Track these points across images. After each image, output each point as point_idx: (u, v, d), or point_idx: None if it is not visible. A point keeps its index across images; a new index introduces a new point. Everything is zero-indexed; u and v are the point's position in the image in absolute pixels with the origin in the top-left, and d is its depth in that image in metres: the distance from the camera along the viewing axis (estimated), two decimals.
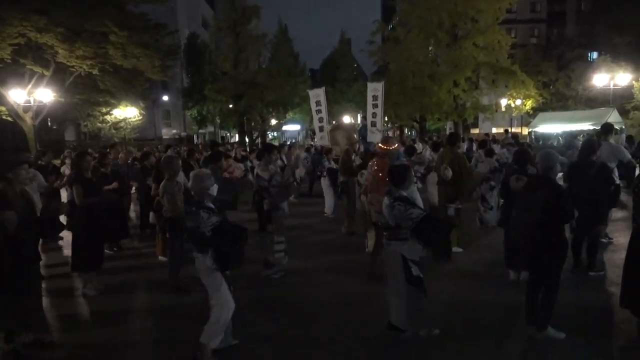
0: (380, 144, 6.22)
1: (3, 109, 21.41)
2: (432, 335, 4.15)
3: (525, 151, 6.02)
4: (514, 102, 27.44)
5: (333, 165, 10.46)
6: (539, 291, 4.25)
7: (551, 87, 32.99)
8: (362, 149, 10.09)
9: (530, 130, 25.57)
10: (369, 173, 5.99)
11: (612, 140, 7.09)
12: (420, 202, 7.12)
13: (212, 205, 3.94)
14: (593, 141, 6.14)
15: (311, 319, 4.88)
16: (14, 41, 18.70)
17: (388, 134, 30.04)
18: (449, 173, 6.39)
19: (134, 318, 5.17)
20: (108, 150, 10.76)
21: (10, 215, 3.85)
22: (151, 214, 6.81)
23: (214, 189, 4.05)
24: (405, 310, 4.11)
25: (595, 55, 33.26)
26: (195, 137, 44.63)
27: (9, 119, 22.06)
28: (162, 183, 5.62)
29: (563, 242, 4.15)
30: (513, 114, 29.54)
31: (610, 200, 6.07)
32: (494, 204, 8.07)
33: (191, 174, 4.12)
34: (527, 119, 30.90)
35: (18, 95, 20.15)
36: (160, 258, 6.85)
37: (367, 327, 4.56)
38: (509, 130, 23.95)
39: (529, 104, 27.87)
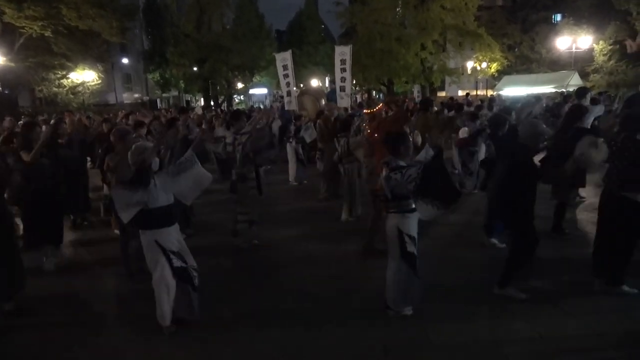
0: (365, 110, 6.18)
1: None
2: (400, 316, 4.07)
3: (499, 116, 6.05)
4: (479, 65, 27.67)
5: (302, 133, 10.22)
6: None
7: (516, 50, 33.33)
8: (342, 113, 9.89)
9: (495, 93, 25.95)
10: (363, 138, 5.90)
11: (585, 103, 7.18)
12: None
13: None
14: (581, 107, 6.21)
15: (279, 290, 4.87)
16: None
17: (356, 98, 29.96)
18: (419, 139, 6.42)
19: (95, 293, 5.01)
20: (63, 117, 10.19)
21: None
22: (105, 186, 6.56)
23: (154, 164, 3.86)
24: (394, 286, 4.05)
25: (559, 17, 33.62)
26: (158, 101, 43.23)
27: None
28: (108, 156, 5.23)
29: (522, 205, 4.20)
30: (479, 77, 29.84)
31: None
32: (474, 169, 8.14)
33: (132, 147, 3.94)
34: (492, 81, 31.28)
35: None
36: (116, 232, 6.70)
37: (337, 299, 4.57)
38: (469, 94, 24.27)
39: (494, 67, 28.18)
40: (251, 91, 46.20)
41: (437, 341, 3.75)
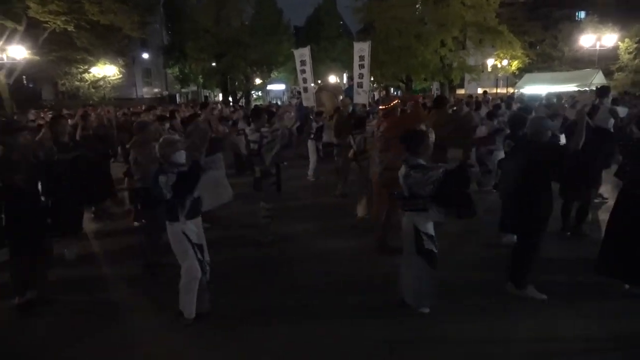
0: (380, 107, 6.14)
1: None
2: (419, 312, 4.05)
3: (519, 115, 5.98)
4: (500, 63, 27.25)
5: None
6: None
7: (537, 48, 32.74)
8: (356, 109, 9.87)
9: (515, 91, 25.55)
10: (379, 133, 5.85)
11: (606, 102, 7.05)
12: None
13: (173, 170, 3.83)
14: (593, 106, 6.12)
15: (290, 286, 4.89)
16: None
17: (373, 95, 29.84)
18: (432, 136, 6.34)
19: (114, 283, 5.13)
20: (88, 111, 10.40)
21: (19, 179, 4.07)
22: (126, 179, 6.68)
23: (180, 156, 3.92)
24: (410, 284, 4.03)
25: (583, 14, 32.92)
26: (177, 96, 43.67)
27: None
28: (132, 150, 5.30)
29: (543, 205, 4.18)
30: (499, 75, 29.40)
31: (604, 162, 6.12)
32: (493, 168, 8.05)
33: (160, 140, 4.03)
34: (512, 79, 30.79)
35: None
36: (135, 224, 6.84)
37: (347, 296, 4.58)
38: (487, 92, 23.88)
39: (515, 64, 27.72)
40: (269, 87, 46.32)
41: (445, 339, 3.75)
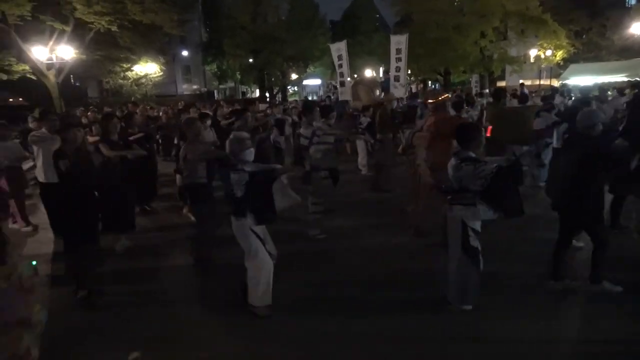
0: (429, 100, 6.05)
1: (27, 67, 21.53)
2: (462, 310, 3.99)
3: (576, 108, 5.77)
4: (543, 53, 26.23)
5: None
6: (567, 248, 4.36)
7: (584, 37, 31.31)
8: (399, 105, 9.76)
9: (560, 82, 24.55)
10: (425, 129, 5.78)
11: None
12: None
13: (244, 167, 3.91)
14: None
15: (335, 280, 4.92)
16: None
17: (411, 88, 29.44)
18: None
19: (164, 275, 5.30)
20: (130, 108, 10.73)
21: (65, 163, 4.29)
22: (177, 177, 6.85)
23: (250, 154, 4.02)
24: (454, 281, 3.96)
25: (633, 0, 31.25)
26: (215, 92, 44.48)
27: (32, 77, 22.23)
28: (183, 146, 5.43)
29: (596, 200, 4.06)
30: (542, 66, 28.30)
31: None
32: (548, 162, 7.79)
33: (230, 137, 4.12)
34: (556, 70, 29.60)
35: (40, 53, 20.23)
36: (187, 214, 7.04)
37: (388, 291, 4.58)
38: (524, 84, 22.83)
39: (560, 54, 26.62)
40: (305, 82, 46.47)
41: (478, 338, 3.70)
